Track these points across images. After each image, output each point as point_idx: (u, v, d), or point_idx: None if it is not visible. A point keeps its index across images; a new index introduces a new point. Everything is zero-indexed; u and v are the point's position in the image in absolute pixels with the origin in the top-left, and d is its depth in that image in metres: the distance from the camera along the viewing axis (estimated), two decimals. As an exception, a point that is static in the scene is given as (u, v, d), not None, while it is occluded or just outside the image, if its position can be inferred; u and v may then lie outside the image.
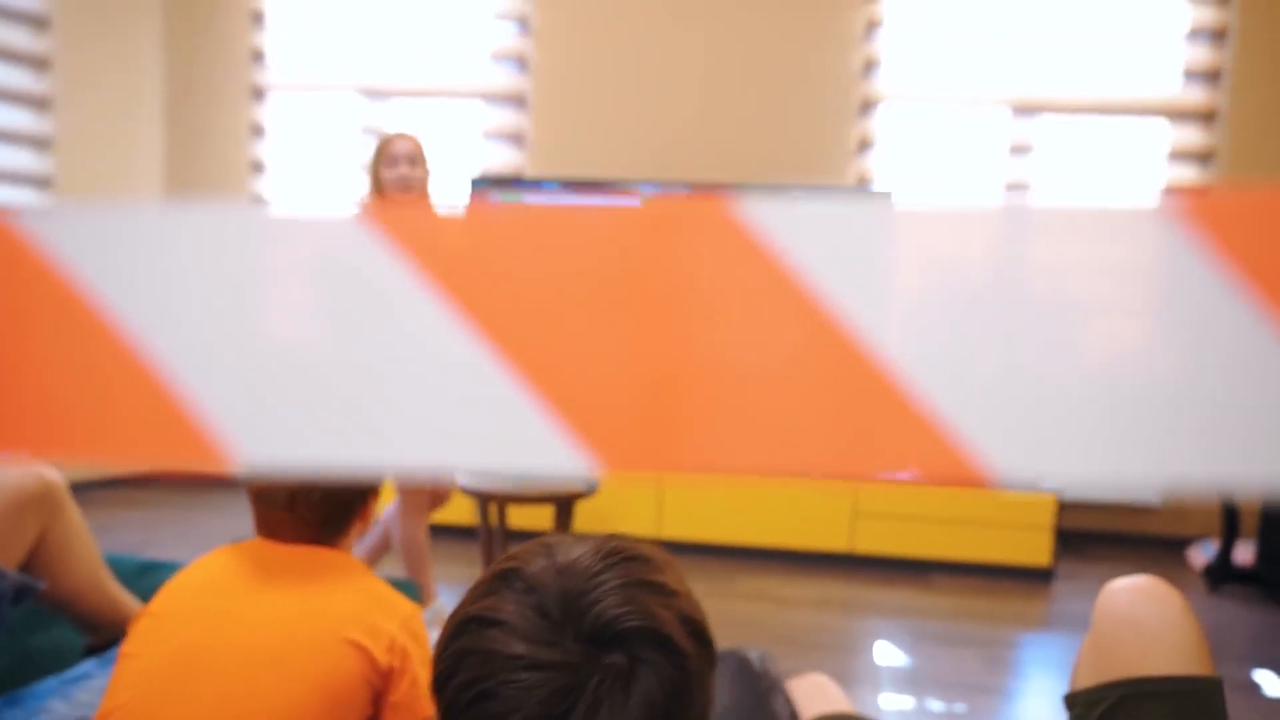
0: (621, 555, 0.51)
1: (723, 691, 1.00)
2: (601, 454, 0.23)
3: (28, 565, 1.13)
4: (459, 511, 2.39)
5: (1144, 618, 0.73)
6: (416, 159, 2.06)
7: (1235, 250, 0.20)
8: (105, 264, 0.24)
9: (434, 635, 0.57)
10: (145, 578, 1.41)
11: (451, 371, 0.23)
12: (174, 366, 0.24)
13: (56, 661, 1.25)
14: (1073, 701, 0.78)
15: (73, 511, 1.18)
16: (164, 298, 0.24)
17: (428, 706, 0.88)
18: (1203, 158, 2.99)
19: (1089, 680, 0.76)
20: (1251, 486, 0.21)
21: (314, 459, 0.24)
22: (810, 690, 1.04)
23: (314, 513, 0.92)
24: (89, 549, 1.22)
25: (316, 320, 0.24)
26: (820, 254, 0.22)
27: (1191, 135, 2.98)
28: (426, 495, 1.96)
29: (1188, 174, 2.99)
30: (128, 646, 0.86)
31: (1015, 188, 3.06)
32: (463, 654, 0.48)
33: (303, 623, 0.85)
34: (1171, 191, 0.21)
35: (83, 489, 2.09)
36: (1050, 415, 0.21)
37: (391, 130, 2.11)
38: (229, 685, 0.80)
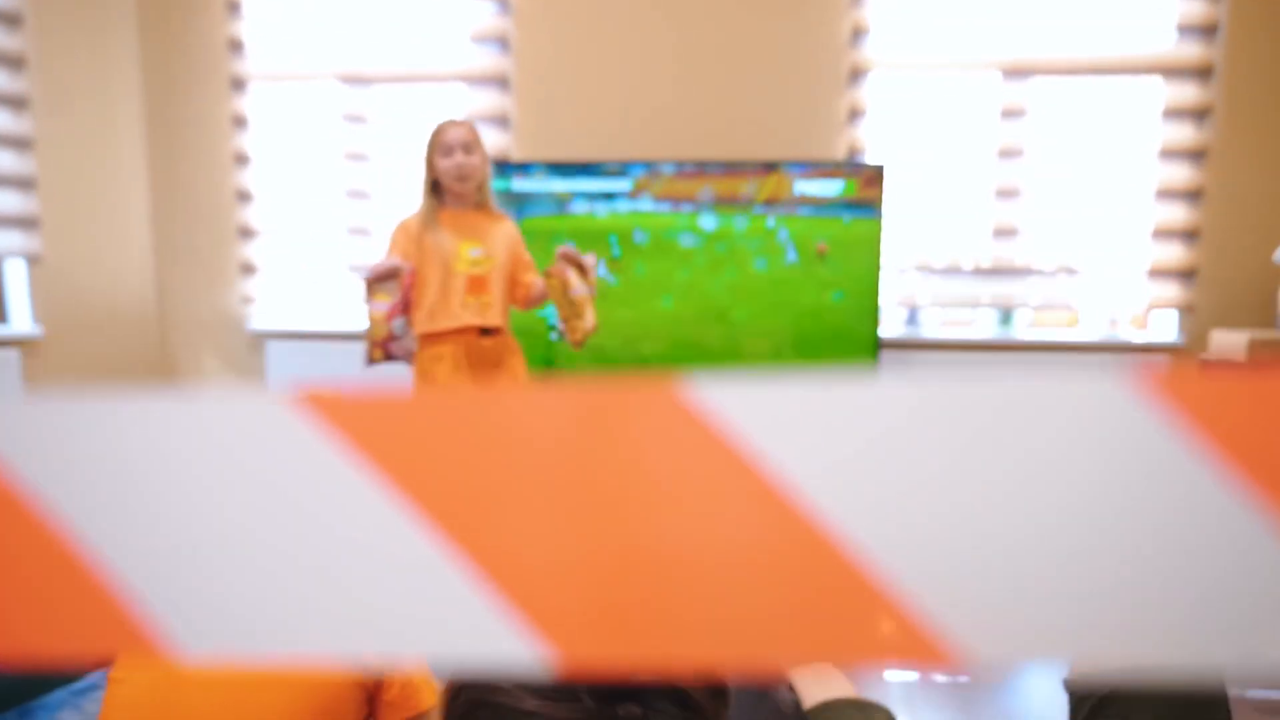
0: None
1: (726, 682, 1.00)
2: (557, 645, 0.22)
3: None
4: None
5: None
6: (472, 146, 2.00)
7: (1209, 429, 0.19)
8: (35, 454, 0.23)
9: None
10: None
11: (397, 560, 0.23)
12: (109, 559, 0.23)
13: (67, 671, 1.26)
14: (1072, 685, 0.78)
15: None
16: (97, 488, 0.23)
17: (425, 699, 0.89)
18: (1198, 114, 2.95)
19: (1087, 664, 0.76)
20: (1224, 669, 0.20)
21: (256, 649, 0.24)
22: (813, 677, 1.04)
23: None
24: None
25: (256, 509, 0.23)
26: (775, 436, 0.21)
27: (1187, 92, 2.95)
28: None
29: (1183, 132, 2.96)
30: (115, 671, 0.86)
31: (1008, 153, 3.03)
32: (473, 707, 0.48)
33: None
34: (1143, 367, 0.20)
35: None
36: (1021, 596, 0.21)
37: (443, 118, 2.05)
38: (219, 703, 0.81)
